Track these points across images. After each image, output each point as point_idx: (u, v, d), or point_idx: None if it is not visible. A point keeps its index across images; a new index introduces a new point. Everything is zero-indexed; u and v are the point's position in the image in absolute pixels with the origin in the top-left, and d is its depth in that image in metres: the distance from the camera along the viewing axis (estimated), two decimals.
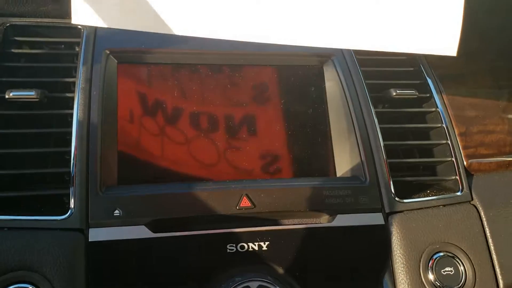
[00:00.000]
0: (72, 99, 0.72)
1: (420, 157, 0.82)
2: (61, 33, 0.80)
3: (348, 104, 0.79)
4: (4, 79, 0.72)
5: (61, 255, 0.61)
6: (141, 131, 0.73)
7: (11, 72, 0.74)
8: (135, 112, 0.74)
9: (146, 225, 0.65)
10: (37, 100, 0.70)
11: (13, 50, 0.76)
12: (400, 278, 0.69)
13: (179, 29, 0.78)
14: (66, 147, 0.68)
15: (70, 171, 0.66)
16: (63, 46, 0.80)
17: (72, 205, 0.64)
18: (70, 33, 0.80)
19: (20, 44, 0.78)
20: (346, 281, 0.68)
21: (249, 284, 0.63)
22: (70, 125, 0.70)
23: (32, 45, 0.79)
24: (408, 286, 0.68)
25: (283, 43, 0.80)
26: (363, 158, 0.75)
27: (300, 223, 0.70)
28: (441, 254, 0.70)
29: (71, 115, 0.71)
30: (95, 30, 0.78)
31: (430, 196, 0.76)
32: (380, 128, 0.78)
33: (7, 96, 0.69)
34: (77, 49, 0.78)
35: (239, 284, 0.63)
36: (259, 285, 0.63)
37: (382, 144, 0.76)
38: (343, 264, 0.69)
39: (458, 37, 0.81)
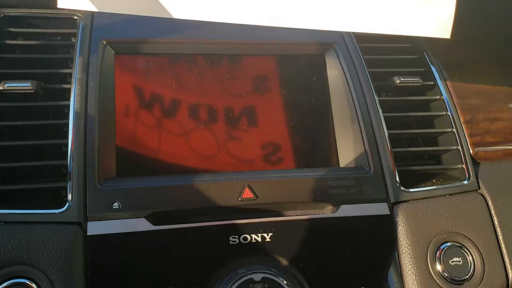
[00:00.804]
0: (69, 90, 0.70)
1: (425, 146, 0.80)
2: (57, 24, 0.78)
3: (351, 93, 0.77)
4: None
5: (59, 249, 0.59)
6: (139, 122, 0.72)
7: (6, 63, 0.72)
8: (133, 104, 0.72)
9: (146, 217, 0.63)
10: (32, 91, 0.68)
11: (7, 42, 0.74)
12: (407, 269, 0.67)
13: (168, 12, 0.76)
14: (63, 139, 0.67)
15: (67, 164, 0.65)
16: (59, 37, 0.78)
17: (69, 198, 0.63)
18: (66, 24, 0.78)
19: (15, 36, 0.76)
20: (351, 273, 0.66)
21: (252, 276, 0.61)
22: (66, 116, 0.68)
23: (27, 36, 0.77)
24: (416, 277, 0.67)
25: (283, 26, 0.79)
26: (367, 148, 0.73)
27: (304, 214, 0.69)
28: (449, 244, 0.69)
29: (68, 106, 0.69)
30: (91, 20, 0.77)
31: (436, 185, 0.74)
32: (384, 117, 0.76)
33: (1, 88, 0.68)
34: (73, 40, 0.76)
35: (242, 276, 0.61)
36: (263, 277, 0.62)
37: (386, 133, 0.75)
38: (348, 255, 0.67)
39: (452, 20, 0.80)
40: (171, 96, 0.74)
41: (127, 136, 0.70)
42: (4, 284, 0.57)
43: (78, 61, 0.72)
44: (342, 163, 0.75)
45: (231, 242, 0.65)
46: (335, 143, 0.77)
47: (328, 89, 0.80)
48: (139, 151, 0.70)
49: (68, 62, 0.75)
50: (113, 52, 0.74)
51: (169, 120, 0.72)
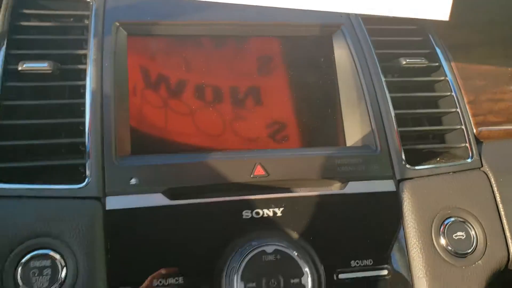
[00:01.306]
0: (84, 70, 0.72)
1: (430, 126, 0.82)
2: (70, 6, 0.80)
3: (358, 74, 0.79)
4: (15, 51, 0.72)
5: (80, 222, 0.62)
6: (151, 102, 0.74)
7: (21, 44, 0.73)
8: (145, 84, 0.74)
9: (163, 192, 0.65)
10: (49, 71, 0.70)
11: (22, 23, 0.76)
12: (412, 243, 0.70)
13: None
14: (80, 118, 0.69)
15: (85, 141, 0.67)
16: (72, 19, 0.80)
17: (88, 174, 0.65)
18: (79, 6, 0.79)
19: (28, 17, 0.78)
20: (359, 246, 0.69)
21: (265, 248, 0.64)
22: (82, 96, 0.70)
23: (40, 18, 0.78)
24: (420, 251, 0.69)
25: (290, 7, 0.80)
26: (373, 127, 0.75)
27: (313, 190, 0.71)
28: (453, 219, 0.71)
29: (84, 86, 0.71)
30: (104, 2, 0.78)
31: (440, 163, 0.77)
32: (390, 97, 0.78)
33: (20, 68, 0.70)
34: (86, 22, 0.78)
35: (255, 248, 0.64)
36: (275, 249, 0.64)
37: (392, 113, 0.77)
38: (356, 229, 0.70)
39: (450, 2, 0.82)
40: (181, 76, 0.76)
41: (139, 116, 0.73)
42: (29, 255, 0.59)
43: (92, 42, 0.74)
44: (349, 143, 0.78)
45: (244, 217, 0.67)
46: (342, 123, 0.79)
47: (336, 70, 0.82)
48: (151, 130, 0.73)
49: (82, 44, 0.76)
50: (126, 33, 0.76)
51: (179, 100, 0.75)
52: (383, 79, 0.79)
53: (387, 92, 0.78)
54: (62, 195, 0.64)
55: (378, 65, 0.80)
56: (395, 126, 0.76)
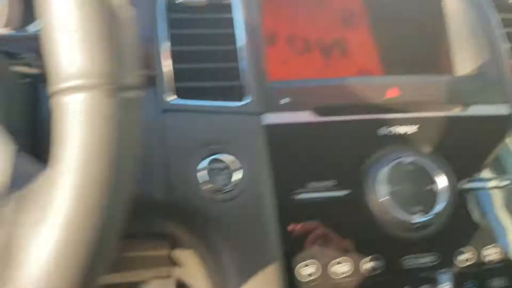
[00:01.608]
0: (229, 5, 0.80)
1: None
2: None
3: (470, 11, 0.86)
4: None
5: (247, 133, 0.72)
6: (282, 40, 0.83)
7: None
8: (277, 24, 0.84)
9: (312, 110, 0.75)
10: (204, 5, 0.79)
11: None
12: None
13: None
14: (232, 45, 0.77)
15: (240, 66, 0.76)
16: None
17: (247, 94, 0.74)
18: None
19: None
20: (480, 160, 0.78)
21: (402, 160, 0.73)
22: (232, 27, 0.79)
23: None
24: None
25: None
26: (489, 58, 0.83)
27: (440, 112, 0.79)
28: None
29: (230, 19, 0.79)
30: None
31: None
32: (502, 32, 0.85)
33: (177, 1, 0.78)
34: None
35: (394, 160, 0.73)
36: (411, 160, 0.73)
37: (506, 46, 0.84)
38: (478, 146, 0.79)
39: None
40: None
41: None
42: (209, 158, 0.69)
43: None
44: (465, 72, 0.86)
45: (381, 133, 0.76)
46: (452, 57, 0.87)
47: (444, 9, 0.89)
48: (285, 62, 0.82)
49: None
50: None
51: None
52: (497, 15, 0.86)
53: (500, 26, 0.85)
54: (227, 111, 0.73)
55: (490, 3, 0.87)
56: (508, 57, 0.83)
